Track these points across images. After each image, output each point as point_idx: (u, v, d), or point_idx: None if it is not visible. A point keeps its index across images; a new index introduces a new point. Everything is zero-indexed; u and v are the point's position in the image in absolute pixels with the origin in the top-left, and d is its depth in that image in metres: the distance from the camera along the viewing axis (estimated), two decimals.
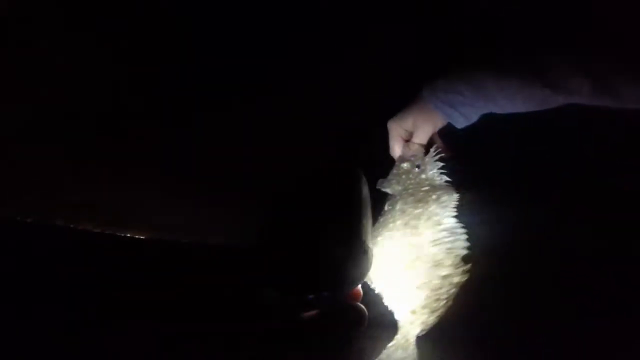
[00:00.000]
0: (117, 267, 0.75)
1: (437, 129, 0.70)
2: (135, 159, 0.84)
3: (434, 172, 0.67)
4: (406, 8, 0.76)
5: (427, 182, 0.66)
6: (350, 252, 0.51)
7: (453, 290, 0.58)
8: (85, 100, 0.75)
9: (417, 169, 0.67)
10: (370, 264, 0.53)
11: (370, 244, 0.54)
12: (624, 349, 0.74)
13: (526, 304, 0.76)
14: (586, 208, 0.71)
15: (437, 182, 0.66)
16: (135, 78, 0.75)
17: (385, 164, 0.76)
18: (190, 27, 0.74)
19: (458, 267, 0.59)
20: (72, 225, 0.90)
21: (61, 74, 0.71)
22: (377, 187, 0.68)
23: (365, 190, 0.58)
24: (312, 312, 0.45)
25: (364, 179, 0.59)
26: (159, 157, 0.83)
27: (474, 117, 0.69)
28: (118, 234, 0.90)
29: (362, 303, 0.50)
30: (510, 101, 0.65)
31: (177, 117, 0.79)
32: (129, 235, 0.90)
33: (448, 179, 0.67)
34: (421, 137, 0.70)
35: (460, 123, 0.69)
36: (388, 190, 0.67)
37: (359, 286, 0.52)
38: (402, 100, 0.77)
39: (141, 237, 0.90)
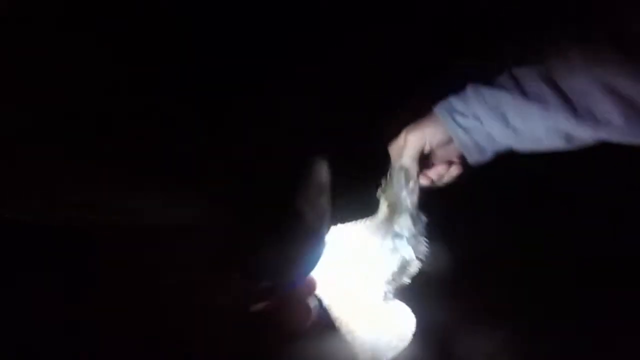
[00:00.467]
0: (116, 266, 0.75)
1: (428, 148, 0.66)
2: (135, 159, 0.84)
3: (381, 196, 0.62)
4: (406, 8, 0.76)
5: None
6: (294, 241, 0.50)
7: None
8: (85, 100, 0.75)
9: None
10: (320, 254, 0.51)
11: (323, 234, 0.52)
12: (624, 350, 0.74)
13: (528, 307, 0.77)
14: (586, 210, 0.70)
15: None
16: (135, 78, 0.75)
17: (383, 164, 0.76)
18: (190, 27, 0.74)
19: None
20: (72, 226, 0.90)
21: (61, 74, 0.71)
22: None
23: (323, 178, 0.56)
24: (262, 303, 0.44)
25: (323, 169, 0.57)
26: (159, 157, 0.83)
27: (488, 150, 0.64)
28: (118, 233, 0.90)
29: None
30: (531, 131, 0.61)
31: (177, 117, 0.79)
32: (129, 235, 0.90)
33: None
34: (408, 155, 0.67)
35: (473, 155, 0.65)
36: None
37: (313, 277, 0.50)
38: (402, 100, 0.77)
39: (142, 237, 0.90)
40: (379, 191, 0.65)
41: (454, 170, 0.67)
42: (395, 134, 0.67)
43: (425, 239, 0.62)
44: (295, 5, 0.76)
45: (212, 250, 0.47)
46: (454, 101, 0.65)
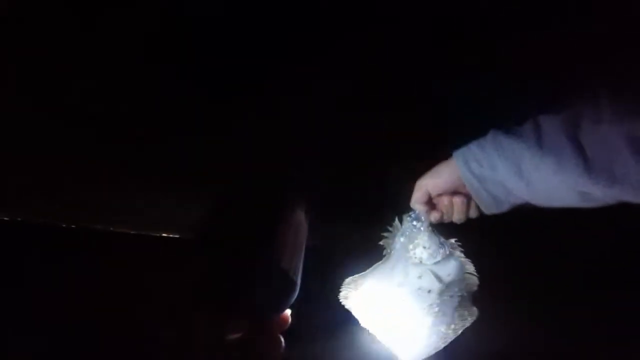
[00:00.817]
0: (115, 264, 0.76)
1: (437, 192, 0.63)
2: (136, 159, 0.84)
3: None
4: (406, 8, 0.76)
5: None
6: (263, 280, 0.51)
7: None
8: (85, 101, 0.76)
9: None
10: (293, 292, 0.53)
11: (294, 273, 0.53)
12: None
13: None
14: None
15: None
16: (135, 78, 0.75)
17: (382, 164, 0.76)
18: (190, 27, 0.74)
19: None
20: (72, 226, 0.90)
21: (61, 74, 0.72)
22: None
23: (297, 219, 0.58)
24: (237, 335, 0.46)
25: (298, 210, 0.59)
26: (159, 157, 0.83)
27: (504, 201, 0.60)
28: (118, 233, 0.90)
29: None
30: (545, 185, 0.56)
31: (177, 118, 0.79)
32: (131, 235, 0.90)
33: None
34: (416, 198, 0.64)
35: (487, 205, 0.61)
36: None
37: (287, 313, 0.52)
38: (402, 100, 0.77)
39: (144, 237, 0.90)
40: (385, 239, 0.68)
41: (458, 200, 0.64)
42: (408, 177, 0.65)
43: (463, 257, 0.66)
44: (295, 6, 0.76)
45: (196, 283, 0.49)
46: (473, 147, 0.60)
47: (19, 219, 0.85)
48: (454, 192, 0.63)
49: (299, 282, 0.54)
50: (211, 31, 0.75)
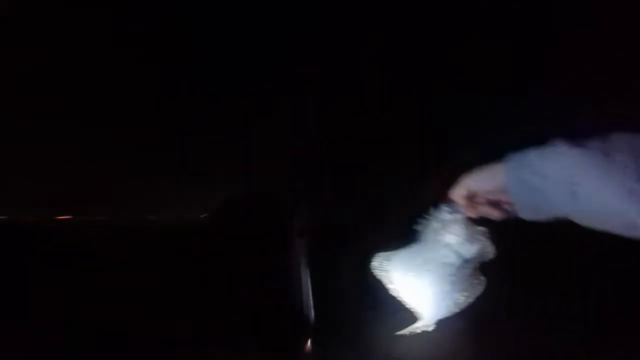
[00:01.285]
0: (117, 262, 0.76)
1: (479, 191, 0.64)
2: (136, 159, 0.84)
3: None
4: (406, 9, 0.76)
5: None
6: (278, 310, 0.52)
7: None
8: (84, 100, 0.76)
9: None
10: (309, 319, 0.53)
11: (308, 303, 0.54)
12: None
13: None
14: None
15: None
16: (135, 78, 0.75)
17: (382, 164, 0.76)
18: (190, 27, 0.74)
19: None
20: (73, 225, 0.90)
21: (61, 74, 0.72)
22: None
23: (296, 246, 0.59)
24: None
25: (296, 237, 0.59)
26: (160, 157, 0.83)
27: (544, 213, 0.60)
28: (119, 230, 0.90)
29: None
30: (593, 203, 0.54)
31: (178, 118, 0.79)
32: (133, 233, 0.90)
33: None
34: (457, 192, 0.66)
35: (527, 213, 0.61)
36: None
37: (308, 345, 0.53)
38: (402, 100, 0.77)
39: (144, 239, 0.90)
40: (421, 223, 0.74)
41: (497, 211, 0.67)
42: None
43: (486, 242, 0.72)
44: (295, 6, 0.76)
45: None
46: (530, 154, 0.59)
47: (19, 219, 0.85)
48: (494, 197, 0.64)
49: (312, 314, 0.54)
50: (211, 31, 0.75)
